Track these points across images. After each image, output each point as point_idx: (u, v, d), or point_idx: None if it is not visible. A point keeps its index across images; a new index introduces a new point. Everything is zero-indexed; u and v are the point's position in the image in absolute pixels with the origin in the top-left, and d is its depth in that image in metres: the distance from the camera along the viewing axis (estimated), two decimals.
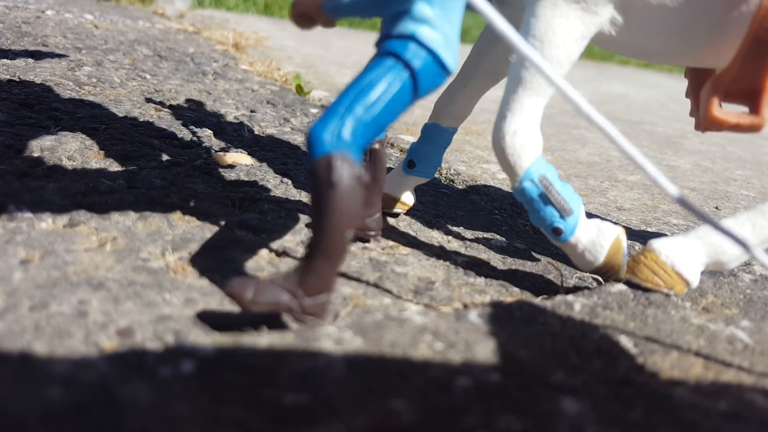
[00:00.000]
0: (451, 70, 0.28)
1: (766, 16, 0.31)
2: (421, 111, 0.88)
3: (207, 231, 0.39)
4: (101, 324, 0.27)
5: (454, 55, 0.28)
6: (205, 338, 0.27)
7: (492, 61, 0.43)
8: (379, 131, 0.28)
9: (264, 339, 0.28)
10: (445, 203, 0.54)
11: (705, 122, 0.35)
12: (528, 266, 0.43)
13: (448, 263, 0.41)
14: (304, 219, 0.44)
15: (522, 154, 0.35)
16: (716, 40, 0.34)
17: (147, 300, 0.30)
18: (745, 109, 0.35)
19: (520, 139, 0.35)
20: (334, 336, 0.29)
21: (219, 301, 0.31)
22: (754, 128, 0.34)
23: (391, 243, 0.43)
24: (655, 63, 0.38)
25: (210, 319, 0.29)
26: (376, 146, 0.38)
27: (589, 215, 0.56)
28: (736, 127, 0.34)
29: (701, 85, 0.40)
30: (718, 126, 0.35)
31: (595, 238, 0.38)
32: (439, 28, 0.27)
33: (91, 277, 0.31)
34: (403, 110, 0.28)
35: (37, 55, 0.82)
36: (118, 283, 0.31)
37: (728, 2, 0.33)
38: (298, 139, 0.66)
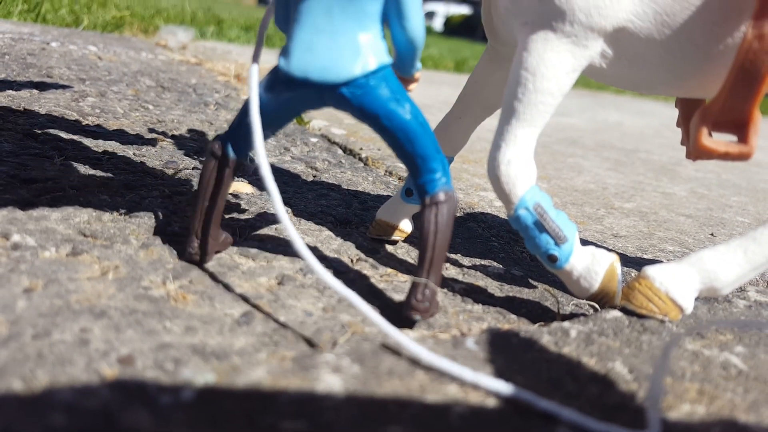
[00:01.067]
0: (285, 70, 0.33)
1: (750, 48, 0.32)
2: None
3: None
4: (103, 352, 0.28)
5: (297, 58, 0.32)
6: (205, 366, 0.28)
7: (487, 92, 0.44)
8: None
9: (262, 367, 0.28)
10: None
11: (695, 151, 0.36)
12: (525, 293, 0.43)
13: (445, 290, 0.41)
14: None
15: (516, 182, 0.36)
16: (703, 72, 0.35)
17: (148, 328, 0.30)
18: (734, 138, 0.36)
19: (515, 169, 0.36)
20: (332, 363, 0.29)
21: (219, 329, 0.31)
22: (742, 157, 0.35)
23: (389, 270, 0.43)
24: (645, 93, 0.39)
25: (209, 347, 0.30)
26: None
27: (586, 242, 0.56)
28: (726, 156, 0.35)
29: (691, 114, 0.41)
30: (708, 155, 0.36)
31: (590, 265, 0.38)
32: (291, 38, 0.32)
33: (93, 305, 0.32)
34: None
35: (41, 86, 0.84)
36: (120, 312, 0.31)
37: (713, 35, 0.34)
38: (299, 168, 0.67)
